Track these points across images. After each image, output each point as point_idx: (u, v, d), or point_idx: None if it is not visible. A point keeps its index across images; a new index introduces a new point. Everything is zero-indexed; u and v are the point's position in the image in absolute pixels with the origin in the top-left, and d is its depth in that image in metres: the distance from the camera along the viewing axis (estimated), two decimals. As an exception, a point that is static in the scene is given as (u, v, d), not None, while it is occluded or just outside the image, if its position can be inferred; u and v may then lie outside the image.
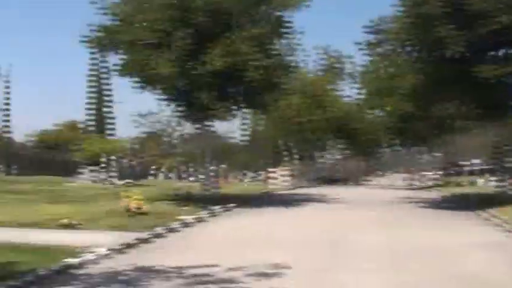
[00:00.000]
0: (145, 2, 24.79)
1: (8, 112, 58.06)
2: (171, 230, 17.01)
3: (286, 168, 48.72)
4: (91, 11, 25.39)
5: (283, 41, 27.12)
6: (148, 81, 25.95)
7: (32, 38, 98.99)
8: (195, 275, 10.44)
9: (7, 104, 58.10)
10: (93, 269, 11.11)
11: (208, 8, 24.51)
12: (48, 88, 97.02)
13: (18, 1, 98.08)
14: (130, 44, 24.76)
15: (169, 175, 54.59)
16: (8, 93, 58.06)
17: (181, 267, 11.03)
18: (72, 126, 61.76)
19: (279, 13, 26.74)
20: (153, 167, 55.19)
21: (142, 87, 26.52)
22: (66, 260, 11.41)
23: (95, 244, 13.19)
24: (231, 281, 10.11)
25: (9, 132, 58.35)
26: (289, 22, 26.69)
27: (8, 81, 57.59)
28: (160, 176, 54.79)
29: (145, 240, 14.81)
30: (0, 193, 26.48)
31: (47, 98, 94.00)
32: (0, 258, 11.12)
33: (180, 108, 28.35)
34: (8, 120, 58.10)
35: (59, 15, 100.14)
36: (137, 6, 24.93)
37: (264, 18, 26.22)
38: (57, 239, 13.95)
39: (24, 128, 65.50)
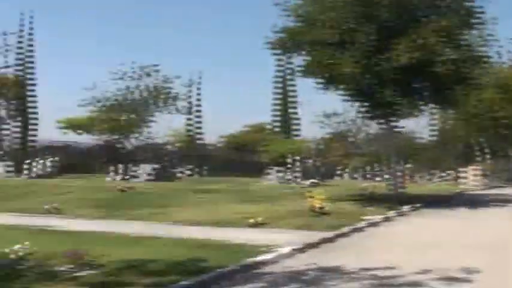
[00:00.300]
0: (329, 1, 24.67)
1: (199, 114, 61.66)
2: (355, 230, 16.73)
3: (478, 167, 46.23)
4: (276, 13, 25.86)
5: (474, 32, 25.62)
6: (331, 80, 25.86)
7: (220, 42, 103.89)
8: (379, 277, 10.09)
9: (199, 106, 61.69)
10: (276, 268, 11.15)
11: (393, 1, 23.85)
12: (238, 90, 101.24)
13: (205, 7, 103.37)
14: (313, 44, 24.84)
15: (355, 175, 54.23)
16: (199, 95, 61.65)
17: (364, 269, 10.73)
18: (259, 128, 63.72)
19: (468, 3, 25.31)
20: (338, 167, 55.13)
21: (325, 87, 26.50)
22: (251, 257, 11.59)
23: (279, 243, 13.29)
24: (416, 284, 9.63)
25: (201, 134, 61.85)
26: (480, 12, 25.17)
27: (199, 85, 61.14)
28: (346, 176, 54.62)
29: (328, 240, 14.68)
30: (192, 193, 27.94)
31: (237, 101, 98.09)
32: (191, 255, 11.54)
33: (364, 107, 27.94)
34: (200, 122, 61.67)
35: (246, 18, 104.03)
36: (320, 6, 24.91)
37: (452, 9, 24.98)
38: (244, 237, 14.29)
39: (215, 130, 68.82)
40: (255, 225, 16.64)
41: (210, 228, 16.26)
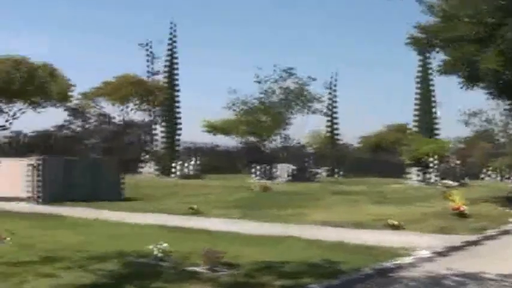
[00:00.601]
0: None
1: (336, 115, 61.53)
2: (498, 234, 15.96)
3: None
4: (415, 12, 25.27)
5: None
6: (474, 77, 24.81)
7: (361, 42, 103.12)
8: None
9: (335, 107, 61.56)
10: (414, 272, 10.85)
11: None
12: (376, 91, 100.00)
13: (338, 11, 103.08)
14: (454, 40, 23.96)
15: (498, 176, 51.65)
16: (335, 96, 61.52)
17: (509, 276, 10.16)
18: (399, 128, 62.53)
19: None
20: (481, 167, 52.78)
21: (467, 85, 25.47)
22: (388, 261, 11.36)
23: (417, 246, 12.98)
24: None
25: (337, 135, 61.69)
26: None
27: (335, 87, 61.03)
28: (489, 177, 52.18)
29: (470, 244, 14.14)
30: (330, 194, 27.91)
31: (375, 101, 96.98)
32: (326, 257, 11.49)
33: (509, 104, 26.55)
34: (337, 123, 61.52)
35: (385, 18, 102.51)
36: (462, 1, 23.97)
37: None
38: (381, 239, 14.05)
39: (352, 131, 68.47)
40: (392, 227, 16.28)
41: (346, 230, 16.12)
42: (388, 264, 11.17)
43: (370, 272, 10.50)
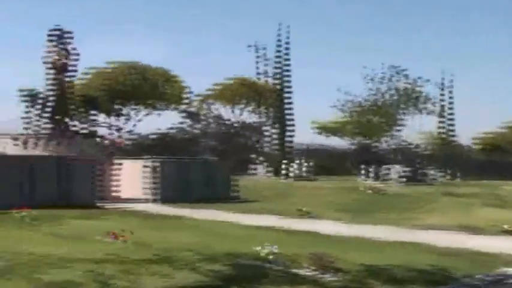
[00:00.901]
0: None
1: (452, 115, 59.66)
2: None
3: None
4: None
5: None
6: None
7: (472, 41, 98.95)
8: None
9: (451, 107, 59.70)
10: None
11: None
12: (492, 88, 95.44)
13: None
14: None
15: None
16: (450, 98, 59.69)
17: None
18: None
19: None
20: None
21: None
22: (499, 268, 11.03)
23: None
24: None
25: (453, 136, 59.81)
26: None
27: (449, 88, 59.25)
28: None
29: None
30: (443, 196, 27.22)
31: (491, 99, 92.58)
32: (435, 262, 11.28)
33: None
34: (452, 123, 59.65)
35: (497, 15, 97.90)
36: None
37: None
38: (496, 245, 13.70)
39: (467, 132, 65.88)
40: (508, 232, 15.69)
41: (458, 235, 15.77)
42: (500, 272, 10.85)
43: (482, 279, 10.23)
